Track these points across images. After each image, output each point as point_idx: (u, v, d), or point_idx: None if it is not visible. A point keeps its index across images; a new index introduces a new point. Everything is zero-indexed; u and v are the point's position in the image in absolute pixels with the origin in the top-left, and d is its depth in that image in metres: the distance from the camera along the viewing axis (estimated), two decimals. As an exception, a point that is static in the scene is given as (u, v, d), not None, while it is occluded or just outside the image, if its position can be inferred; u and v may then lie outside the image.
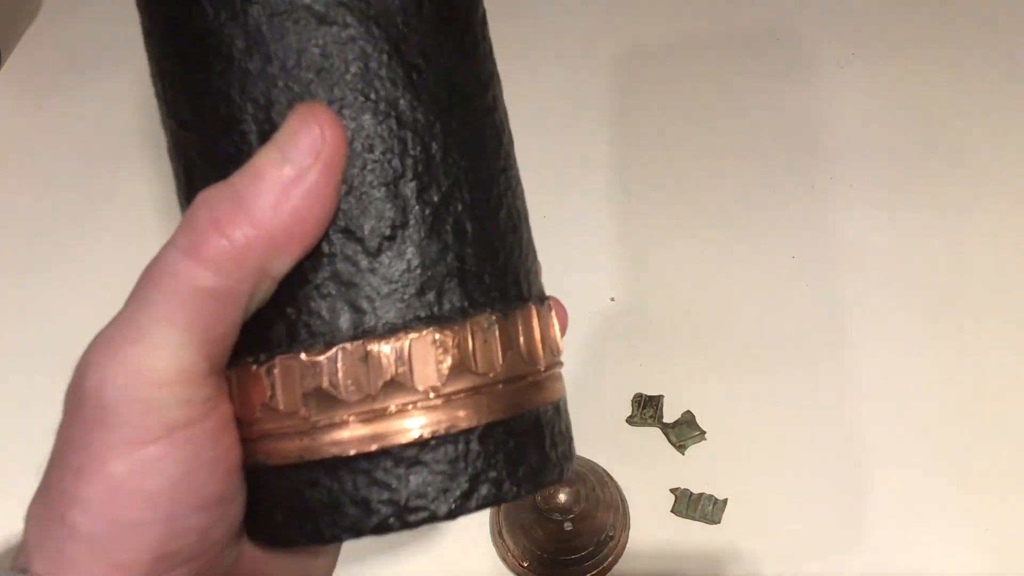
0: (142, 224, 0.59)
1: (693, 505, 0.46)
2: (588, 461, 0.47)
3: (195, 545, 0.21)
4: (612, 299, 0.53)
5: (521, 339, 0.23)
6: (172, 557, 0.21)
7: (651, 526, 0.46)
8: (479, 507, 0.22)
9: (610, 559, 0.44)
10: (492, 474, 0.22)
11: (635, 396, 0.49)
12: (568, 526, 0.44)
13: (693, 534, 0.45)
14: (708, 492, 0.46)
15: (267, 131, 0.21)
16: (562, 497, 0.44)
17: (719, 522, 0.45)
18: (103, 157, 0.63)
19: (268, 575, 0.24)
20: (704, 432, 0.48)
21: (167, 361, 0.20)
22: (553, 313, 0.25)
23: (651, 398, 0.49)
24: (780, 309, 0.53)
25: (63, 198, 0.61)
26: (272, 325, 0.22)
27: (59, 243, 0.59)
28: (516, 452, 0.23)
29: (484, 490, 0.22)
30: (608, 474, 0.47)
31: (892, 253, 0.54)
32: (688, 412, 0.49)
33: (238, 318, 0.21)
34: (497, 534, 0.45)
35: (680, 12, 0.67)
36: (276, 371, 0.21)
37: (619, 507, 0.46)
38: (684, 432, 0.48)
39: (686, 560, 0.45)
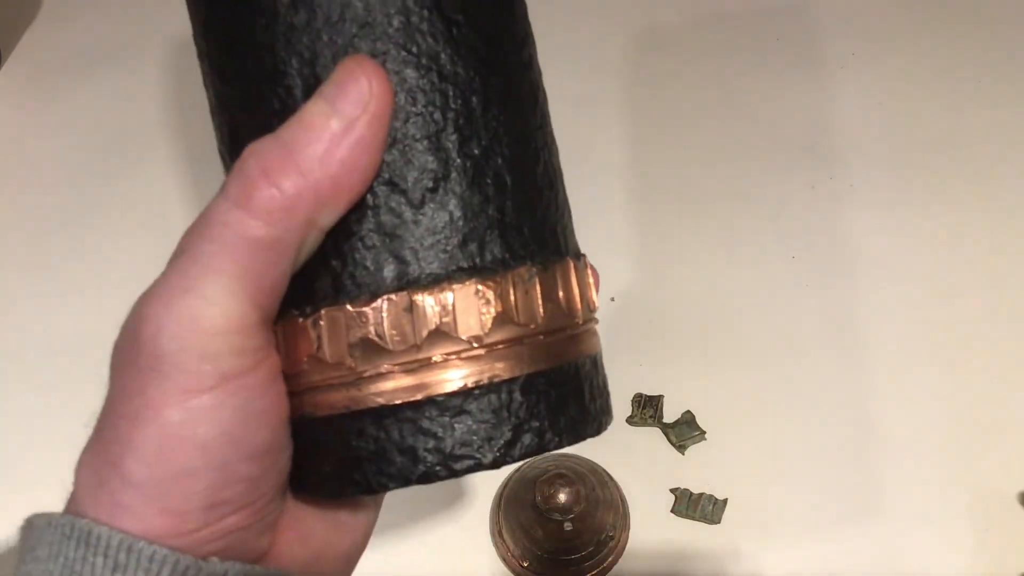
0: (143, 223, 0.59)
1: (693, 505, 0.46)
2: (588, 461, 0.47)
3: (244, 495, 0.21)
4: (612, 299, 0.53)
5: (560, 292, 0.23)
6: (222, 506, 0.21)
7: (651, 526, 0.46)
8: (522, 456, 0.22)
9: (610, 559, 0.44)
10: (535, 423, 0.22)
11: (635, 396, 0.49)
12: (568, 526, 0.44)
13: (693, 534, 0.45)
14: (708, 492, 0.46)
15: (311, 84, 0.22)
16: (562, 497, 0.44)
17: (719, 522, 0.45)
18: (103, 157, 0.63)
19: (309, 532, 0.25)
20: (704, 432, 0.48)
21: (220, 310, 0.20)
22: (589, 270, 0.25)
23: (651, 398, 0.49)
24: (780, 309, 0.53)
25: (63, 198, 0.61)
26: (317, 278, 0.22)
27: (59, 243, 0.59)
28: (557, 402, 0.23)
29: (527, 439, 0.22)
30: (608, 474, 0.47)
31: (892, 253, 0.54)
32: (688, 412, 0.49)
33: (287, 269, 0.21)
34: (497, 534, 0.45)
35: (680, 13, 0.67)
36: (322, 323, 0.22)
37: (619, 507, 0.46)
38: (684, 432, 0.48)
39: (686, 560, 0.45)
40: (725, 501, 0.46)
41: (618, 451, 0.47)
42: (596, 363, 0.25)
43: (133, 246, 0.58)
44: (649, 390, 0.50)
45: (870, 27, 0.65)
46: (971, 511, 0.45)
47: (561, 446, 0.23)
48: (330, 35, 0.21)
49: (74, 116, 0.65)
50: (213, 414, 0.20)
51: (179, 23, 0.74)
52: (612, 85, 0.63)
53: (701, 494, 0.46)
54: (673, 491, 0.46)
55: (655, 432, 0.48)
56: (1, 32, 0.70)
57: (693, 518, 0.46)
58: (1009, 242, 0.55)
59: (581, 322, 0.24)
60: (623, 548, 0.45)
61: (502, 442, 0.22)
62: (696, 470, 0.47)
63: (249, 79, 0.22)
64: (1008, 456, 0.47)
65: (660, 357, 0.51)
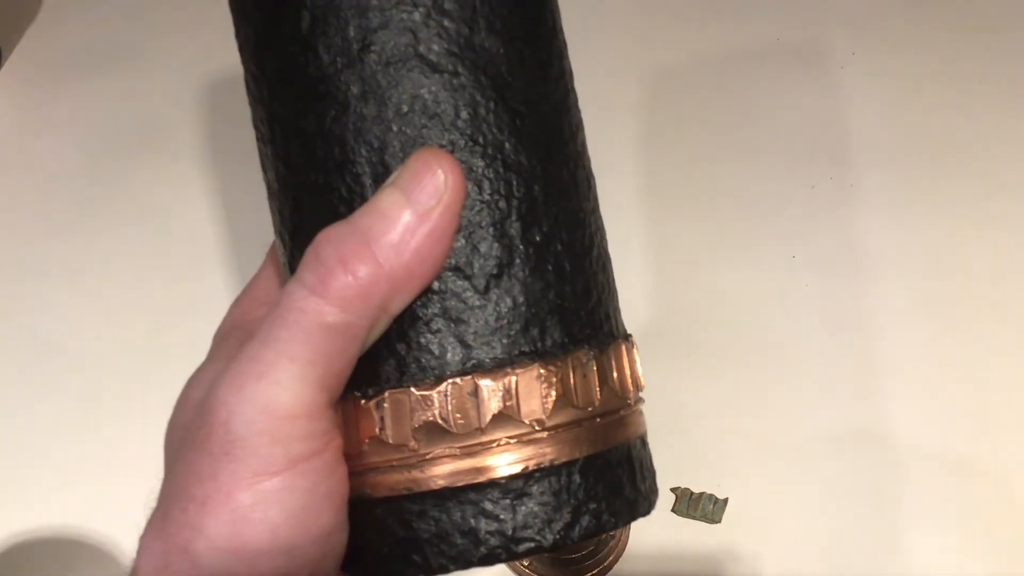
0: (142, 224, 0.59)
1: (693, 504, 0.46)
2: (588, 461, 0.47)
3: None
4: (612, 299, 0.53)
5: (615, 374, 0.24)
6: None
7: (651, 525, 0.46)
8: (581, 537, 0.23)
9: (610, 558, 0.44)
10: (592, 506, 0.23)
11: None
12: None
13: (693, 533, 0.45)
14: (708, 491, 0.46)
15: (380, 173, 0.22)
16: (562, 497, 0.44)
17: (719, 521, 0.45)
18: (103, 157, 0.63)
19: None
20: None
21: (291, 395, 0.21)
22: (636, 350, 0.26)
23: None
24: (780, 309, 0.52)
25: (63, 198, 0.61)
26: (381, 360, 0.22)
27: (58, 243, 0.59)
28: (613, 484, 0.24)
29: (585, 521, 0.23)
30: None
31: (892, 253, 0.54)
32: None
33: (357, 353, 0.22)
34: (497, 534, 0.45)
35: (679, 14, 0.67)
36: (386, 405, 0.22)
37: (619, 507, 0.45)
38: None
39: (686, 560, 0.45)
40: (726, 500, 0.46)
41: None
42: (644, 443, 0.26)
43: (133, 246, 0.58)
44: (646, 389, 0.49)
45: (870, 27, 0.65)
46: (974, 511, 0.45)
47: (617, 527, 0.24)
48: (400, 126, 0.22)
49: (74, 116, 0.65)
50: (283, 497, 0.21)
51: (179, 23, 0.74)
52: (612, 85, 0.63)
53: (702, 493, 0.46)
54: (673, 490, 0.46)
55: (655, 434, 0.48)
56: (1, 32, 0.70)
57: (693, 517, 0.45)
58: (1011, 242, 0.55)
59: (632, 403, 0.25)
60: (623, 547, 0.45)
61: (562, 524, 0.22)
62: (696, 469, 0.47)
63: (316, 167, 0.23)
64: (1010, 456, 0.47)
65: (659, 357, 0.51)
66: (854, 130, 0.60)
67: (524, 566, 0.44)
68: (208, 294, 0.54)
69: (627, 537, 0.45)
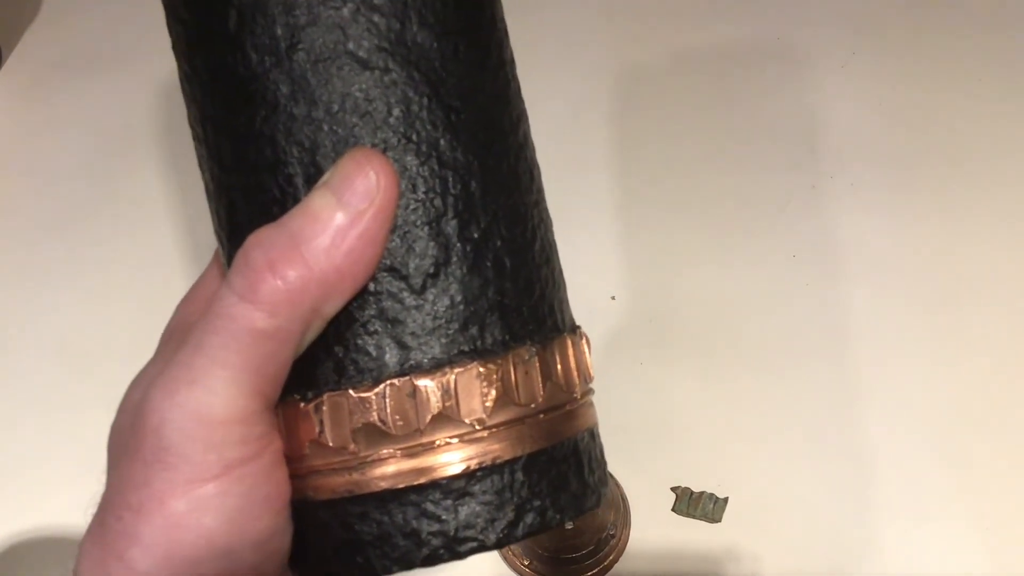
0: (142, 224, 0.59)
1: (694, 504, 0.46)
2: (588, 460, 0.47)
3: None
4: (613, 298, 0.53)
5: (559, 368, 0.24)
6: None
7: (652, 525, 0.46)
8: (525, 535, 0.23)
9: (611, 558, 0.44)
10: (536, 503, 0.23)
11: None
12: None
13: (694, 533, 0.45)
14: (708, 491, 0.46)
15: (312, 174, 0.22)
16: (563, 496, 0.44)
17: (720, 521, 0.45)
18: (103, 157, 0.63)
19: None
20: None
21: (224, 402, 0.20)
22: (584, 341, 0.25)
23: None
24: (780, 308, 0.53)
25: (63, 198, 0.61)
26: (319, 363, 0.22)
27: (59, 243, 0.59)
28: (558, 480, 0.23)
29: (529, 518, 0.23)
30: (609, 473, 0.46)
31: (892, 253, 0.54)
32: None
33: (290, 357, 0.21)
34: (498, 533, 0.45)
35: (680, 12, 0.67)
36: (325, 408, 0.22)
37: (620, 506, 0.46)
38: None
39: (687, 559, 0.45)
40: (726, 500, 0.46)
41: (618, 450, 0.47)
42: (593, 435, 0.25)
43: (132, 246, 0.58)
44: (648, 389, 0.49)
45: (870, 27, 0.65)
46: (973, 511, 0.45)
47: (562, 523, 0.23)
48: (331, 125, 0.22)
49: (74, 116, 0.65)
50: (218, 503, 0.20)
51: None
52: (612, 84, 0.63)
53: (702, 493, 0.46)
54: (674, 490, 0.46)
55: (655, 434, 0.48)
56: (1, 32, 0.70)
57: (694, 516, 0.45)
58: (1010, 241, 0.55)
59: (579, 396, 0.24)
60: (624, 547, 0.45)
61: (505, 522, 0.22)
62: (696, 469, 0.47)
63: (249, 167, 0.22)
64: (1010, 456, 0.47)
65: (660, 356, 0.51)
66: (854, 130, 0.60)
67: (524, 565, 0.44)
68: (208, 294, 0.54)
69: (627, 536, 0.45)
